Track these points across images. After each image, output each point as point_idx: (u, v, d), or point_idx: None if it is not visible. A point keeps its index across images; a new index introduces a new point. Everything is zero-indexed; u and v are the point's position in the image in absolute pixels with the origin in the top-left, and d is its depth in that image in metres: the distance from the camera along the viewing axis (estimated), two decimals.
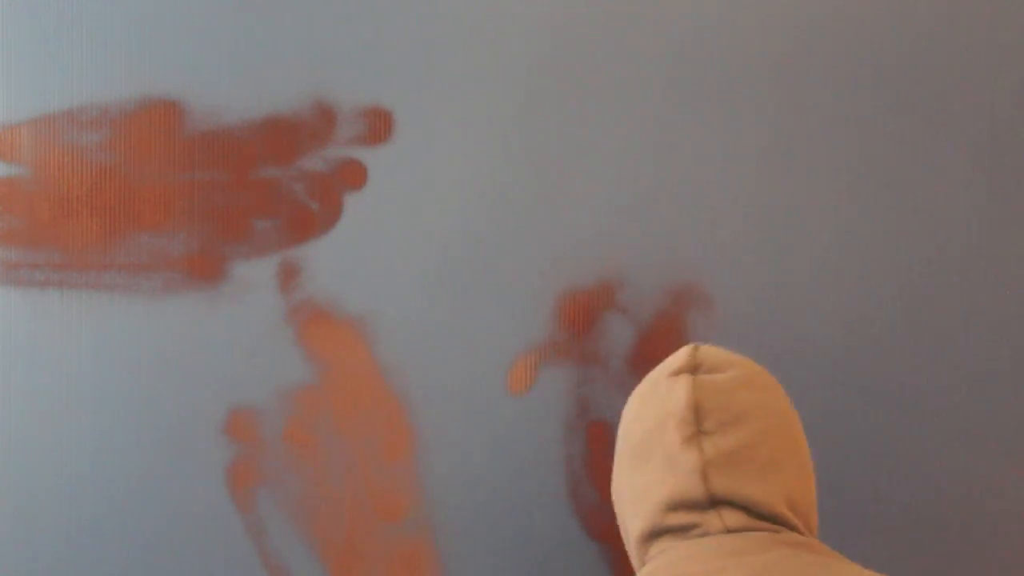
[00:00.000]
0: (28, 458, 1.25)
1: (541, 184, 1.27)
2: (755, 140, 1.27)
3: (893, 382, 1.28)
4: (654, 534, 0.86)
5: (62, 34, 1.24)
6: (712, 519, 0.83)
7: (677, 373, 0.89)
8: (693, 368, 0.89)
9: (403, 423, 1.27)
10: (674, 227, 1.27)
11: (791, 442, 0.89)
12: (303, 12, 1.25)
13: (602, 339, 1.27)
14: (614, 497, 0.95)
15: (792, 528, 0.85)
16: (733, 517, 0.83)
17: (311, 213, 1.26)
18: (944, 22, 1.26)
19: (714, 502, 0.83)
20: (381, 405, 1.26)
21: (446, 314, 1.26)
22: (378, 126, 1.26)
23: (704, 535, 0.83)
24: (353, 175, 1.26)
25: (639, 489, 0.88)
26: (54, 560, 1.26)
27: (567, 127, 1.26)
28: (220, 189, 1.25)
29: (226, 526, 1.26)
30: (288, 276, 1.26)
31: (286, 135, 1.25)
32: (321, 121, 1.26)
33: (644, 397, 0.92)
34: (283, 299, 1.26)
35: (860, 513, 1.28)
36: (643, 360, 1.27)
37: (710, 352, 0.92)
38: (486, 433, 1.27)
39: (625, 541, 0.94)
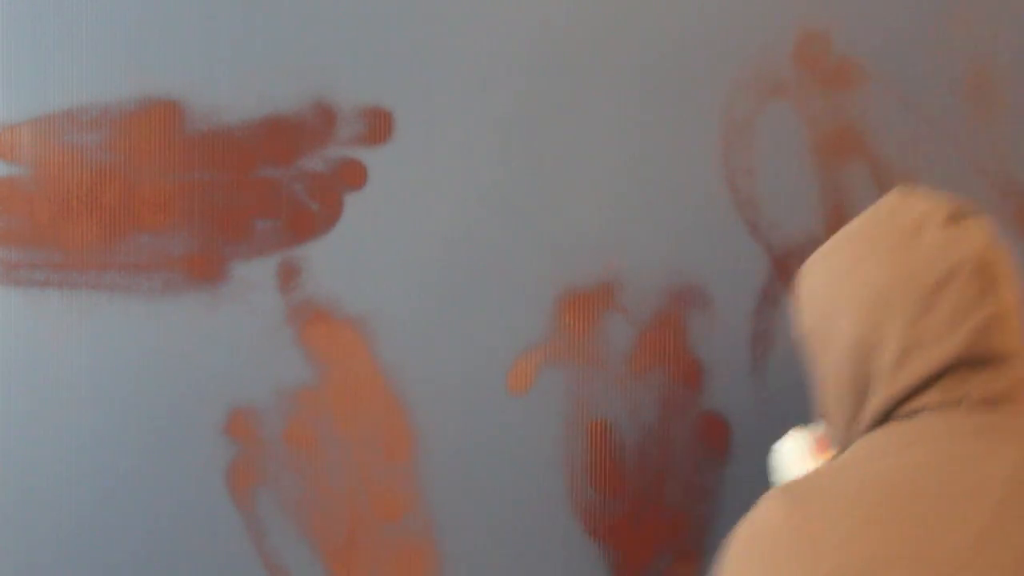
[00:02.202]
0: (28, 457, 1.25)
1: (541, 184, 1.27)
2: (756, 140, 1.27)
3: None
4: (932, 383, 0.80)
5: (62, 34, 1.24)
6: (983, 381, 0.79)
7: (961, 223, 0.83)
8: (964, 214, 0.83)
9: (403, 423, 1.27)
10: (674, 227, 1.27)
11: None
12: (303, 12, 1.25)
13: (602, 339, 1.27)
14: (828, 341, 0.87)
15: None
16: (1007, 379, 0.79)
17: (311, 213, 1.26)
18: None
19: (996, 359, 0.79)
20: (381, 405, 1.26)
21: (446, 314, 1.26)
22: (378, 126, 1.26)
23: (980, 399, 0.78)
24: (353, 175, 1.26)
25: (912, 338, 0.80)
26: (54, 559, 1.26)
27: (567, 127, 1.26)
28: (220, 189, 1.25)
29: (226, 526, 1.26)
30: (288, 276, 1.26)
31: (286, 135, 1.25)
32: (321, 121, 1.25)
33: (903, 241, 0.83)
34: (283, 299, 1.26)
35: None
36: (643, 360, 1.27)
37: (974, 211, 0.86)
38: (486, 433, 1.27)
39: (834, 387, 0.87)
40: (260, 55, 1.25)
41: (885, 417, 0.82)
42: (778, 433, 1.28)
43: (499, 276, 1.26)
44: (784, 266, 1.27)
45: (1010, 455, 0.75)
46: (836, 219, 1.27)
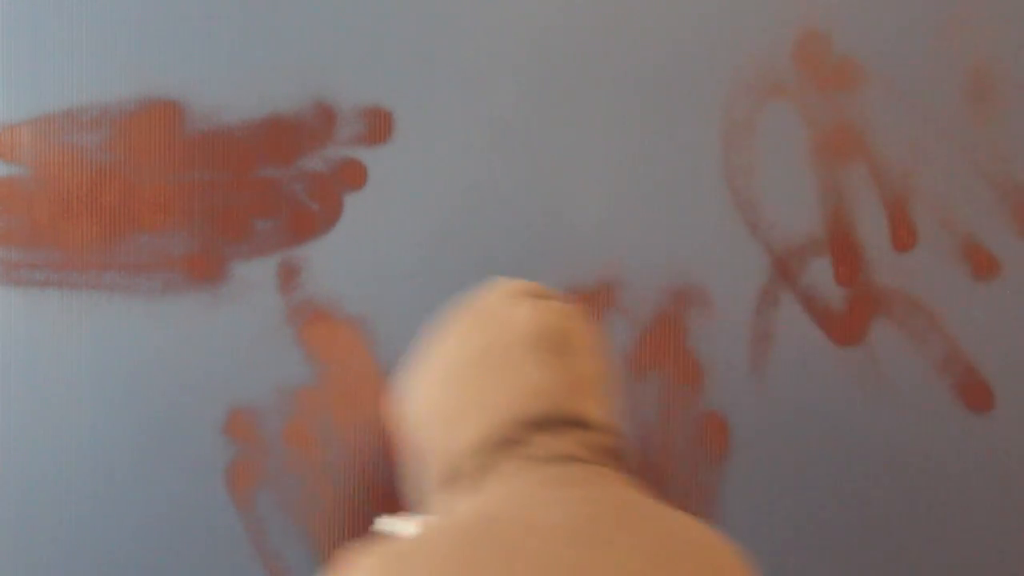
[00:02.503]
0: (28, 458, 1.25)
1: (541, 184, 1.27)
2: (756, 140, 1.27)
3: (896, 377, 1.28)
4: (491, 445, 0.83)
5: (62, 34, 1.24)
6: (566, 441, 0.82)
7: (534, 298, 0.88)
8: (537, 295, 0.89)
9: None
10: (674, 227, 1.27)
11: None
12: (303, 12, 1.25)
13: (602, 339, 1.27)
14: (420, 418, 0.90)
15: (626, 460, 0.86)
16: (589, 440, 0.83)
17: (311, 213, 1.26)
18: None
19: (568, 422, 0.82)
20: (381, 405, 1.26)
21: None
22: (378, 126, 1.26)
23: (546, 457, 0.81)
24: (353, 175, 1.26)
25: (477, 403, 0.84)
26: (53, 559, 1.26)
27: (567, 127, 1.26)
28: (220, 189, 1.25)
29: (226, 526, 1.26)
30: (288, 276, 1.26)
31: (286, 135, 1.25)
32: (321, 121, 1.25)
33: (479, 320, 0.89)
34: (283, 299, 1.26)
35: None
36: (643, 360, 1.27)
37: (553, 291, 0.93)
38: None
39: (428, 456, 0.89)
40: (260, 55, 1.25)
41: (467, 476, 0.84)
42: (778, 433, 1.28)
43: (499, 276, 1.26)
44: (784, 266, 1.27)
45: (573, 498, 0.78)
46: (836, 219, 1.27)
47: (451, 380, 0.88)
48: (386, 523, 1.08)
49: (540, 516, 0.76)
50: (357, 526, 1.27)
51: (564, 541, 0.74)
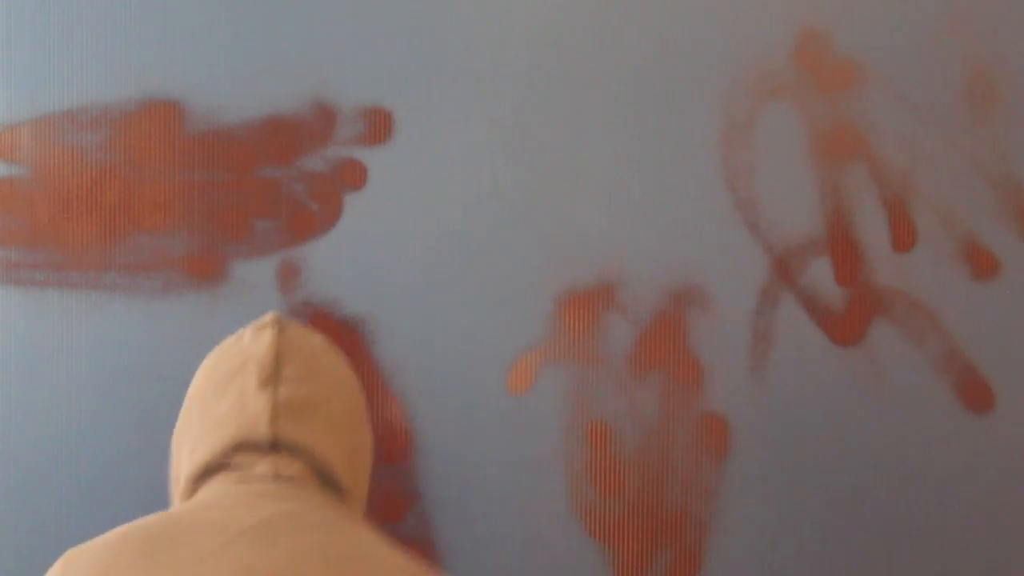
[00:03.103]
0: (27, 456, 1.25)
1: (541, 184, 1.27)
2: (756, 140, 1.27)
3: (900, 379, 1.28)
4: (210, 470, 0.86)
5: (62, 34, 1.24)
6: (268, 463, 0.84)
7: (263, 328, 0.91)
8: (281, 327, 0.91)
9: (403, 423, 1.27)
10: (674, 227, 1.27)
11: (360, 413, 0.93)
12: (303, 12, 1.25)
13: (602, 339, 1.27)
14: (174, 442, 0.94)
15: (339, 488, 0.87)
16: (289, 465, 0.84)
17: (311, 213, 1.26)
18: None
19: (276, 446, 0.84)
20: (381, 405, 1.26)
21: (446, 314, 1.26)
22: (378, 126, 1.26)
23: (256, 478, 0.83)
24: (353, 175, 1.26)
25: (207, 426, 0.88)
26: (53, 559, 1.26)
27: (567, 127, 1.26)
28: (220, 189, 1.25)
29: None
30: (288, 276, 1.26)
31: (286, 135, 1.25)
32: (321, 121, 1.25)
33: (225, 348, 0.93)
34: (283, 299, 1.26)
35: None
36: (643, 360, 1.27)
37: (296, 324, 0.95)
38: (486, 433, 1.27)
39: (174, 482, 0.94)
40: (260, 55, 1.25)
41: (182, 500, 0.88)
42: (778, 433, 1.28)
43: (499, 276, 1.26)
44: (784, 266, 1.27)
45: (261, 515, 0.80)
46: (836, 219, 1.27)
47: (188, 409, 0.93)
48: None
49: (211, 516, 0.79)
50: None
51: (227, 538, 0.77)
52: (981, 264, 1.27)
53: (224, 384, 0.88)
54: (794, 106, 1.27)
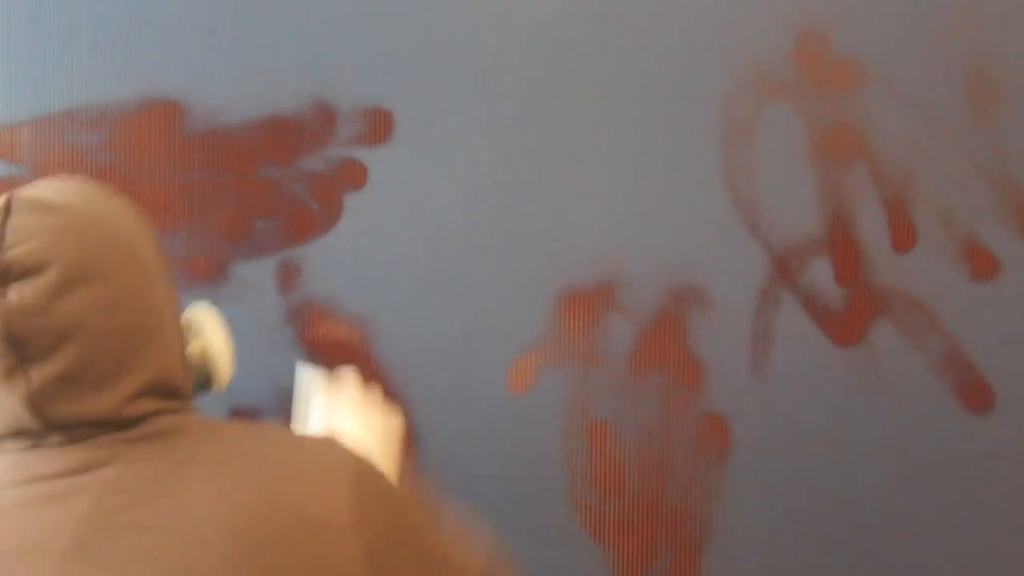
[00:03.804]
0: None
1: (541, 184, 1.27)
2: (756, 140, 1.27)
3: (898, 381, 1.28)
4: None
5: (62, 34, 1.24)
6: (52, 437, 0.77)
7: None
8: (2, 279, 0.75)
9: (403, 423, 1.27)
10: (674, 227, 1.27)
11: (136, 318, 0.79)
12: (303, 12, 1.25)
13: (602, 339, 1.27)
14: None
15: (155, 414, 0.79)
16: (75, 433, 0.77)
17: (311, 213, 1.26)
18: None
19: (51, 427, 0.77)
20: (381, 405, 1.26)
21: (446, 314, 1.26)
22: (378, 126, 1.26)
23: (49, 446, 0.77)
24: (353, 175, 1.26)
25: None
26: None
27: (567, 127, 1.26)
28: (220, 189, 1.25)
29: None
30: (288, 276, 1.26)
31: (286, 135, 1.25)
32: (321, 121, 1.25)
33: None
34: (283, 299, 1.26)
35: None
36: (643, 360, 1.27)
37: (19, 233, 0.76)
38: (486, 433, 1.27)
39: None
40: (260, 55, 1.25)
41: None
42: (778, 433, 1.28)
43: (499, 276, 1.26)
44: (784, 266, 1.27)
45: (80, 508, 0.76)
46: (836, 219, 1.27)
47: None
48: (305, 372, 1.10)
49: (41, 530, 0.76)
50: None
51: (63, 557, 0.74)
52: (981, 264, 1.27)
53: None
54: (794, 106, 1.27)
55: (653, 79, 1.26)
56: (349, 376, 1.08)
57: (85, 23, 1.24)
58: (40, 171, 1.24)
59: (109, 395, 0.77)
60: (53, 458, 0.78)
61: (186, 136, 1.25)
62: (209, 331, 0.94)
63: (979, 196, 1.27)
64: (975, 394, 1.28)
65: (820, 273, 1.27)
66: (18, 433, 0.78)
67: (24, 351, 0.75)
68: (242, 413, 1.26)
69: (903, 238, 1.27)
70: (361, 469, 0.80)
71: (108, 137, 1.24)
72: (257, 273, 1.25)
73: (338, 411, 1.06)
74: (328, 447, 0.81)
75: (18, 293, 0.74)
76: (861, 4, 1.26)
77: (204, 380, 0.94)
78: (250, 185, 1.25)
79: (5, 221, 0.77)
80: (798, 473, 1.28)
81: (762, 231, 1.27)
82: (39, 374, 0.75)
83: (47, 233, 0.76)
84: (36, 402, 0.76)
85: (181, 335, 0.86)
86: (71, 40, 1.24)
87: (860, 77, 1.26)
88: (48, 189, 0.81)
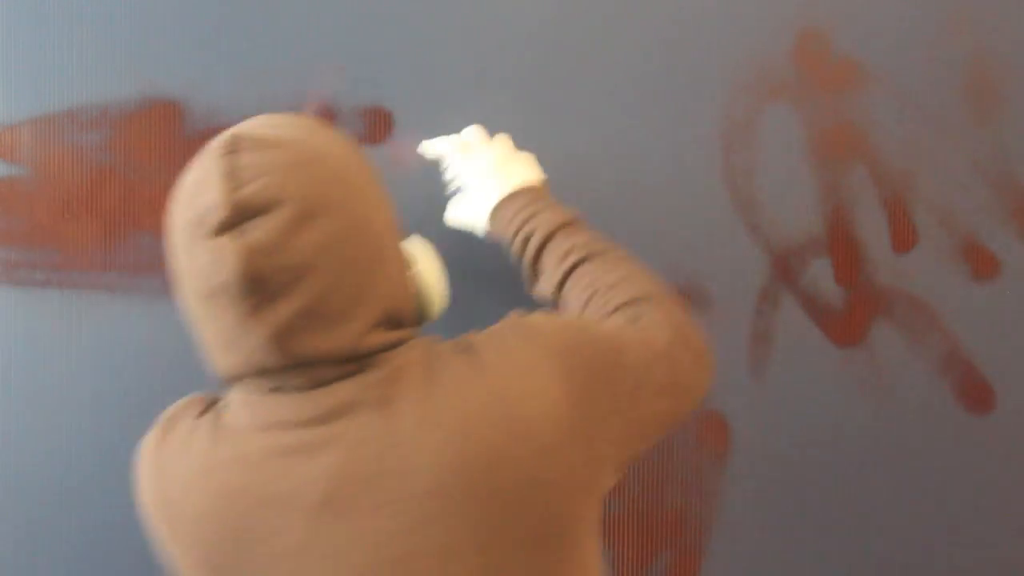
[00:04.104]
0: (28, 458, 1.25)
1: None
2: (756, 140, 1.27)
3: (898, 383, 1.28)
4: (233, 381, 0.81)
5: (62, 34, 1.24)
6: (294, 377, 0.77)
7: (220, 232, 0.74)
8: (236, 219, 0.74)
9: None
10: (674, 227, 1.27)
11: (366, 249, 0.78)
12: (303, 12, 1.25)
13: None
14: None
15: (389, 346, 0.79)
16: (318, 372, 0.77)
17: None
18: None
19: (294, 365, 0.77)
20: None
21: (447, 315, 1.26)
22: (378, 126, 1.26)
23: (290, 390, 0.78)
24: None
25: (211, 340, 0.79)
26: (53, 559, 1.26)
27: (566, 127, 1.26)
28: None
29: None
30: None
31: None
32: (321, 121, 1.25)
33: (189, 245, 0.76)
34: None
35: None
36: None
37: (249, 171, 0.75)
38: None
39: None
40: (260, 55, 1.25)
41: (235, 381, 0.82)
42: (778, 433, 1.28)
43: (500, 275, 1.26)
44: (784, 266, 1.27)
45: (329, 461, 0.77)
46: (836, 219, 1.27)
47: (183, 301, 0.81)
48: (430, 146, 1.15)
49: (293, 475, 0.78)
50: None
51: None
52: (981, 264, 1.27)
53: (206, 307, 0.77)
54: (794, 106, 1.27)
55: (653, 79, 1.26)
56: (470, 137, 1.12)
57: (85, 23, 1.24)
58: (40, 171, 1.24)
59: (347, 328, 0.77)
60: (294, 404, 0.78)
61: (186, 136, 1.25)
62: (424, 262, 0.92)
63: (979, 196, 1.27)
64: (975, 394, 1.28)
65: (820, 273, 1.27)
66: (260, 373, 0.78)
67: (264, 290, 0.74)
68: None
69: (903, 238, 1.27)
70: (560, 344, 0.80)
71: (108, 137, 1.25)
72: None
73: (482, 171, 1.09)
74: (527, 345, 0.81)
75: (255, 232, 0.74)
76: (861, 4, 1.26)
77: (420, 311, 0.92)
78: None
79: (233, 160, 0.76)
80: (798, 473, 1.28)
81: (762, 231, 1.27)
82: (280, 312, 0.75)
83: (276, 170, 0.76)
84: (279, 339, 0.75)
85: (404, 264, 0.85)
86: (71, 40, 1.24)
87: (860, 77, 1.26)
88: (266, 126, 0.80)
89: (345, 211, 0.77)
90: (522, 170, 1.10)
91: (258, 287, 0.74)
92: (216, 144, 0.78)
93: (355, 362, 0.78)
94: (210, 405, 0.86)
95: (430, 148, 1.17)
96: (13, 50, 1.23)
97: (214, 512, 0.79)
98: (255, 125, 0.80)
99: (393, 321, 0.81)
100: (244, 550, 0.78)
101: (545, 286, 1.02)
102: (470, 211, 1.12)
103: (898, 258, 1.28)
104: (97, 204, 1.25)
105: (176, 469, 0.82)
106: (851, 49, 1.26)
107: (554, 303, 1.02)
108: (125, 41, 1.24)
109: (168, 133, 1.25)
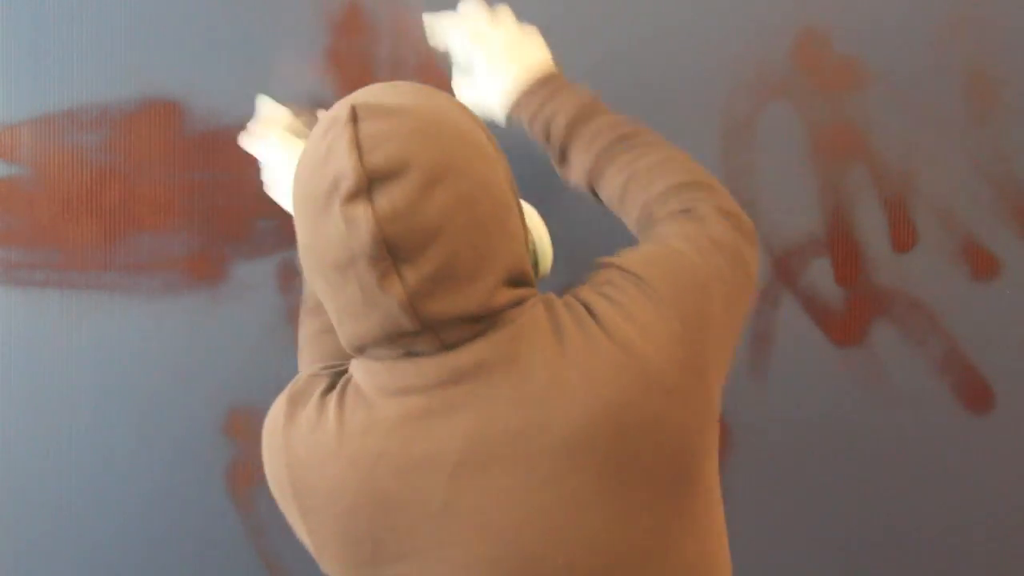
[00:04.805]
0: (28, 457, 1.25)
1: (540, 184, 1.26)
2: (756, 140, 1.27)
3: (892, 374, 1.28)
4: (362, 349, 0.82)
5: (62, 34, 1.24)
6: (426, 340, 0.79)
7: (352, 199, 0.75)
8: (367, 186, 0.75)
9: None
10: None
11: (491, 209, 0.80)
12: (303, 12, 1.25)
13: None
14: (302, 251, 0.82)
15: (514, 304, 0.81)
16: (449, 334, 0.79)
17: None
18: None
19: (427, 327, 0.78)
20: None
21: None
22: None
23: (421, 354, 0.80)
24: None
25: (341, 310, 0.80)
26: (53, 558, 1.26)
27: None
28: (220, 189, 1.25)
29: (226, 526, 1.26)
30: (288, 276, 1.26)
31: None
32: None
33: (318, 215, 0.77)
34: (283, 299, 1.26)
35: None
36: None
37: (374, 139, 0.76)
38: None
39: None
40: (260, 55, 1.25)
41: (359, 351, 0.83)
42: (778, 433, 1.28)
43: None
44: (784, 266, 1.27)
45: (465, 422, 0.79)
46: (836, 219, 1.27)
47: (311, 268, 0.81)
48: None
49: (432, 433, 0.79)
50: None
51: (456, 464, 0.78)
52: (981, 264, 1.27)
53: (338, 273, 0.77)
54: (794, 106, 1.27)
55: (653, 79, 1.26)
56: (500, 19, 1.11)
57: (85, 23, 1.24)
58: (40, 171, 1.24)
59: (477, 288, 0.78)
60: (426, 367, 0.80)
61: (186, 136, 1.25)
62: (532, 219, 0.94)
63: (979, 196, 1.27)
64: (975, 394, 1.28)
65: (820, 273, 1.27)
66: (393, 337, 0.79)
67: (397, 254, 0.76)
68: (241, 413, 1.26)
69: (903, 238, 1.27)
70: (671, 292, 0.82)
71: (108, 137, 1.24)
72: (257, 273, 1.25)
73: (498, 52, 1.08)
74: (640, 295, 0.82)
75: (386, 198, 0.75)
76: (861, 4, 1.26)
77: (533, 267, 0.94)
78: (250, 185, 1.25)
79: (358, 128, 0.77)
80: (798, 473, 1.28)
81: (762, 231, 1.27)
82: (413, 275, 0.76)
83: (400, 135, 0.77)
84: (413, 302, 0.77)
85: (523, 222, 0.86)
86: (71, 40, 1.24)
87: (860, 77, 1.26)
88: (384, 94, 0.81)
89: (469, 172, 0.79)
90: (534, 52, 1.09)
91: (391, 252, 0.76)
92: (336, 114, 0.79)
93: (484, 322, 0.80)
94: (334, 379, 0.87)
95: (437, 32, 1.12)
96: (13, 50, 1.23)
97: (350, 482, 0.80)
98: (372, 93, 0.81)
99: (516, 279, 0.82)
100: (383, 516, 0.79)
101: (577, 169, 1.02)
102: (483, 95, 1.10)
103: (898, 258, 1.28)
104: (97, 204, 1.25)
105: (306, 445, 0.83)
106: (851, 49, 1.26)
107: (588, 186, 1.02)
108: (125, 41, 1.24)
109: (168, 133, 1.25)
